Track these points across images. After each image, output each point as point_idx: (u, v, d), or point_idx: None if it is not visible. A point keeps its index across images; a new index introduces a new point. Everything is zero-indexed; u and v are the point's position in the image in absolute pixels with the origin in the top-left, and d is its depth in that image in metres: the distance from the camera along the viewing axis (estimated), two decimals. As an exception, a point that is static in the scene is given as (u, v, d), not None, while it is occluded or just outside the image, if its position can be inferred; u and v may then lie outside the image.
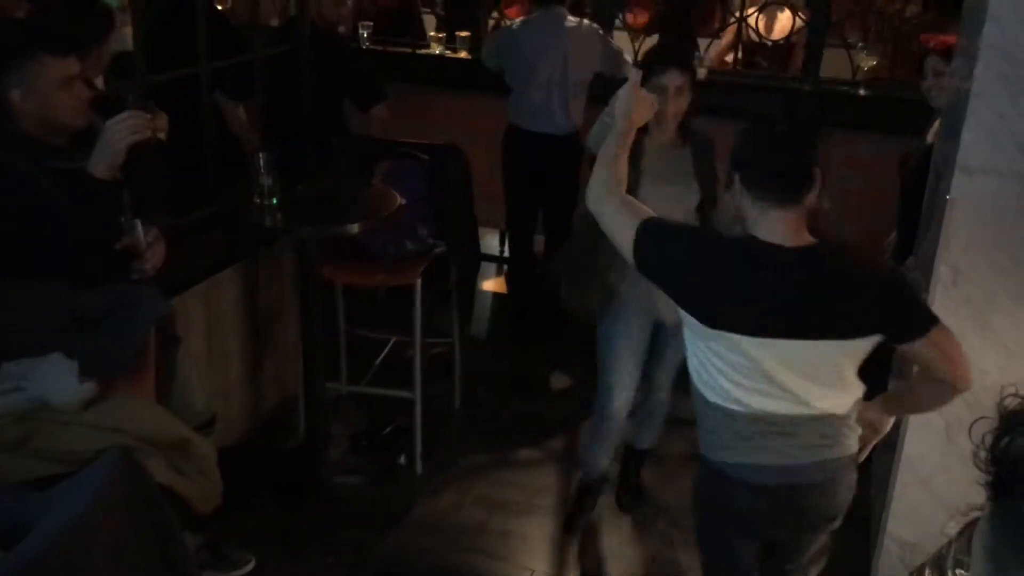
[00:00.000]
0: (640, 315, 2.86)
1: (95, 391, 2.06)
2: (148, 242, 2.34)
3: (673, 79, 2.67)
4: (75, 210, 2.19)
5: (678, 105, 2.70)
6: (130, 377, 2.24)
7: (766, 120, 2.02)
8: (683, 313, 1.94)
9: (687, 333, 1.99)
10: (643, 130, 2.58)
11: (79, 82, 2.23)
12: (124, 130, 2.21)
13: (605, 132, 2.38)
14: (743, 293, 1.87)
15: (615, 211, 2.06)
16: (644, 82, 2.49)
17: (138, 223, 2.31)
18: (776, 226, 1.87)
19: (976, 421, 0.81)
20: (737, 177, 1.92)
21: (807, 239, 1.90)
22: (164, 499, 1.92)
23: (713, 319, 1.88)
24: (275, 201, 3.01)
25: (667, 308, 2.41)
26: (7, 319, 2.18)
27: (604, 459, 3.17)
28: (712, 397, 1.96)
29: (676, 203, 2.70)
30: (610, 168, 2.14)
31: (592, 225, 2.20)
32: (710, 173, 2.78)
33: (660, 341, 2.97)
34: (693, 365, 2.01)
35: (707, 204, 2.80)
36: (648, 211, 2.06)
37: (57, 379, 2.01)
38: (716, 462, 2.01)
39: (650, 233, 1.97)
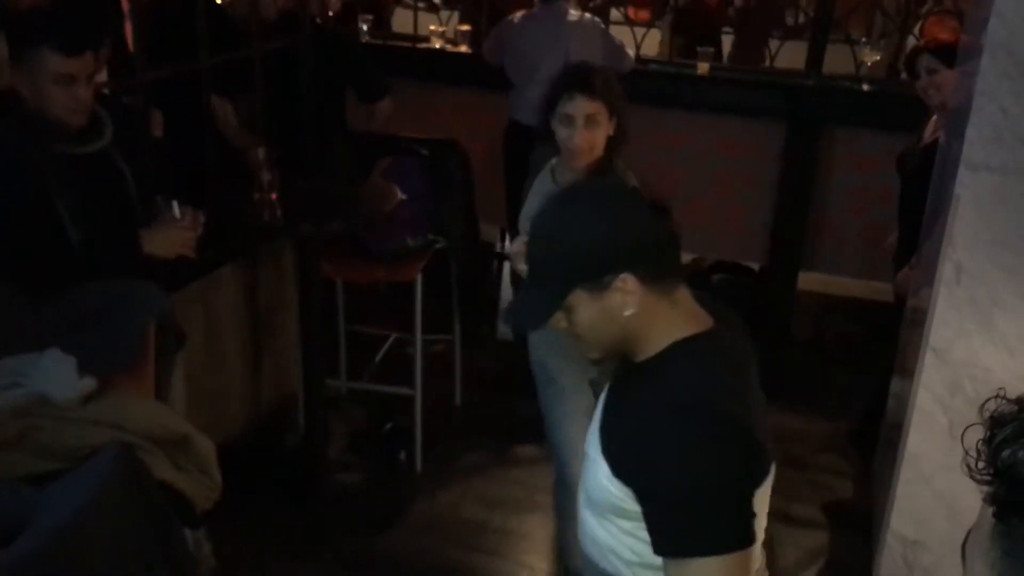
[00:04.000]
0: None
1: (94, 387, 2.05)
2: (185, 217, 2.40)
3: (580, 106, 2.40)
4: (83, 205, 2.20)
5: (591, 137, 2.41)
6: (129, 373, 2.22)
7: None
8: None
9: None
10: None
11: (82, 83, 2.22)
12: (173, 245, 2.36)
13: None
14: None
15: None
16: (550, 110, 2.38)
17: (175, 203, 2.37)
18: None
19: (967, 428, 0.76)
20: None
21: None
22: (164, 496, 1.91)
23: None
24: (274, 197, 3.00)
25: None
26: (3, 314, 2.18)
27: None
28: None
29: None
30: None
31: None
32: None
33: None
34: None
35: None
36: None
37: (56, 375, 2.00)
38: None
39: None
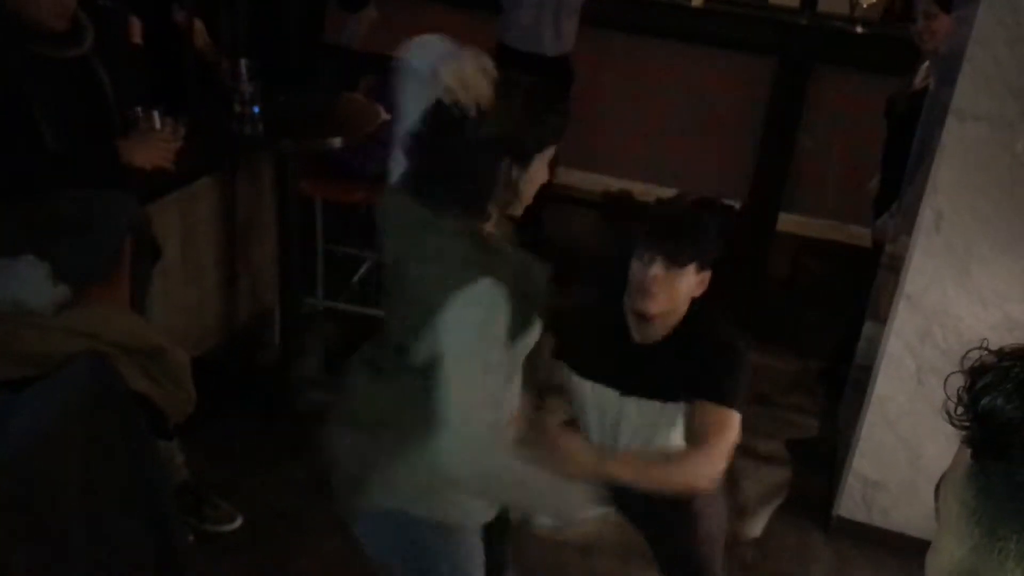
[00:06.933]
0: None
1: (68, 295, 2.04)
2: (165, 128, 2.38)
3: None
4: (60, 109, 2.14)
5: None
6: (104, 284, 2.21)
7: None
8: None
9: None
10: None
11: None
12: (152, 155, 2.32)
13: None
14: None
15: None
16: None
17: (155, 113, 2.34)
18: None
19: (949, 376, 0.80)
20: None
21: None
22: (137, 406, 1.92)
23: None
24: (255, 110, 2.95)
25: None
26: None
27: None
28: None
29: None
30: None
31: None
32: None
33: None
34: None
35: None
36: None
37: (30, 281, 1.98)
38: None
39: None
